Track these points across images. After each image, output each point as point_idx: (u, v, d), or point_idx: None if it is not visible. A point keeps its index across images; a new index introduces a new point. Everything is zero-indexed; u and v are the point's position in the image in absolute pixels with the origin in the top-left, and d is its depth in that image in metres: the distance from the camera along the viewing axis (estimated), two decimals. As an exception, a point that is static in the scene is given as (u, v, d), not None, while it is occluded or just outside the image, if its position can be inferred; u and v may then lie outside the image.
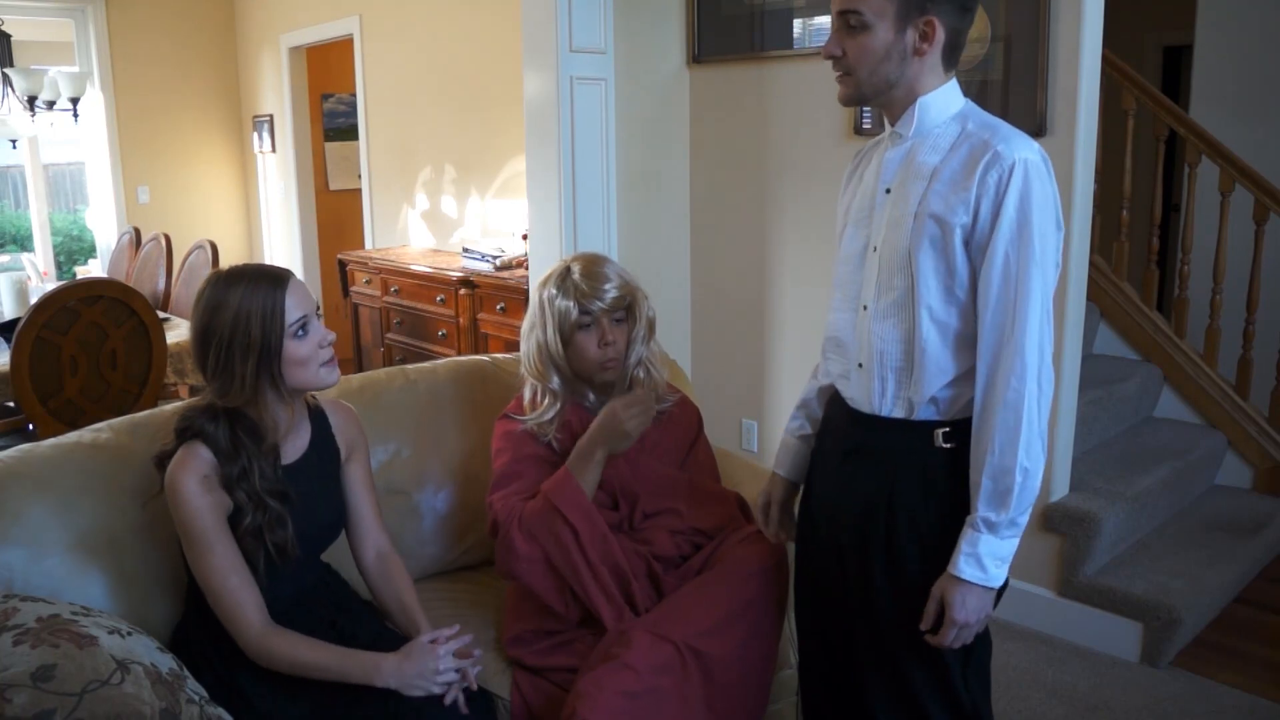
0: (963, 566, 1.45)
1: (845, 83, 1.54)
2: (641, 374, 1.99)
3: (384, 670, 1.57)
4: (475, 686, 1.69)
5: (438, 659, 1.60)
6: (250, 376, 1.57)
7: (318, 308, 1.65)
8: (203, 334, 1.58)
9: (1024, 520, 1.47)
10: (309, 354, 1.60)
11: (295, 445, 1.72)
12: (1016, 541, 1.48)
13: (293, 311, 1.58)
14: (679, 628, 1.72)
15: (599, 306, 1.91)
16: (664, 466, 2.02)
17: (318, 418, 1.79)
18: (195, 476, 1.57)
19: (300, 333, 1.59)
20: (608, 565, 1.83)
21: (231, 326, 1.56)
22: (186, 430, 1.61)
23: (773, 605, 1.85)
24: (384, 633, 1.78)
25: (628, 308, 1.96)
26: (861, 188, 1.62)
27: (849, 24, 1.48)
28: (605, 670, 1.66)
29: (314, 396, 1.81)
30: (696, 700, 1.70)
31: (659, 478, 2.00)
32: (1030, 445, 1.44)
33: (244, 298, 1.56)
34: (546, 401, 1.96)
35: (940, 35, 1.47)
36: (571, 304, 1.91)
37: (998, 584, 1.47)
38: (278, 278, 1.60)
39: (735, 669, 1.76)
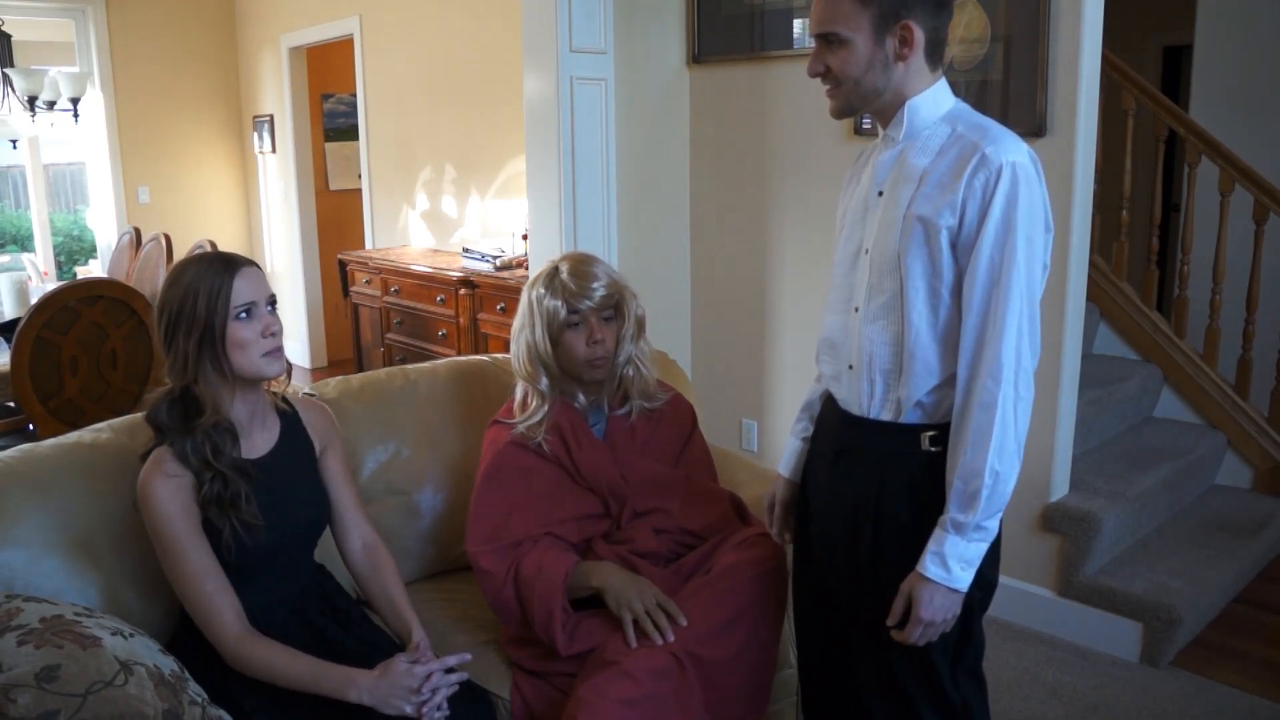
0: (928, 565, 1.46)
1: (834, 95, 1.55)
2: (630, 372, 2.00)
3: (359, 685, 1.56)
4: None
5: (414, 678, 1.58)
6: (192, 354, 1.59)
7: (272, 298, 1.67)
8: (159, 307, 1.62)
9: (992, 525, 1.47)
10: (251, 339, 1.61)
11: (264, 439, 1.72)
12: (984, 546, 1.48)
13: (240, 295, 1.60)
14: (678, 633, 1.72)
15: (587, 305, 1.91)
16: (656, 464, 2.02)
17: (289, 416, 1.79)
18: (166, 484, 1.57)
19: (243, 315, 1.60)
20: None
21: (180, 302, 1.59)
22: (150, 417, 1.64)
23: (772, 608, 1.85)
24: (372, 640, 1.77)
25: (616, 306, 1.96)
26: (858, 190, 1.63)
27: (828, 41, 1.50)
28: (604, 677, 1.66)
29: (286, 401, 1.81)
30: (696, 705, 1.70)
31: (649, 475, 2.00)
32: (1003, 449, 1.43)
33: (196, 276, 1.59)
34: (535, 403, 1.96)
35: (920, 38, 1.47)
36: (560, 303, 1.91)
37: (962, 586, 1.47)
38: (231, 261, 1.63)
39: (735, 673, 1.76)
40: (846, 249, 1.62)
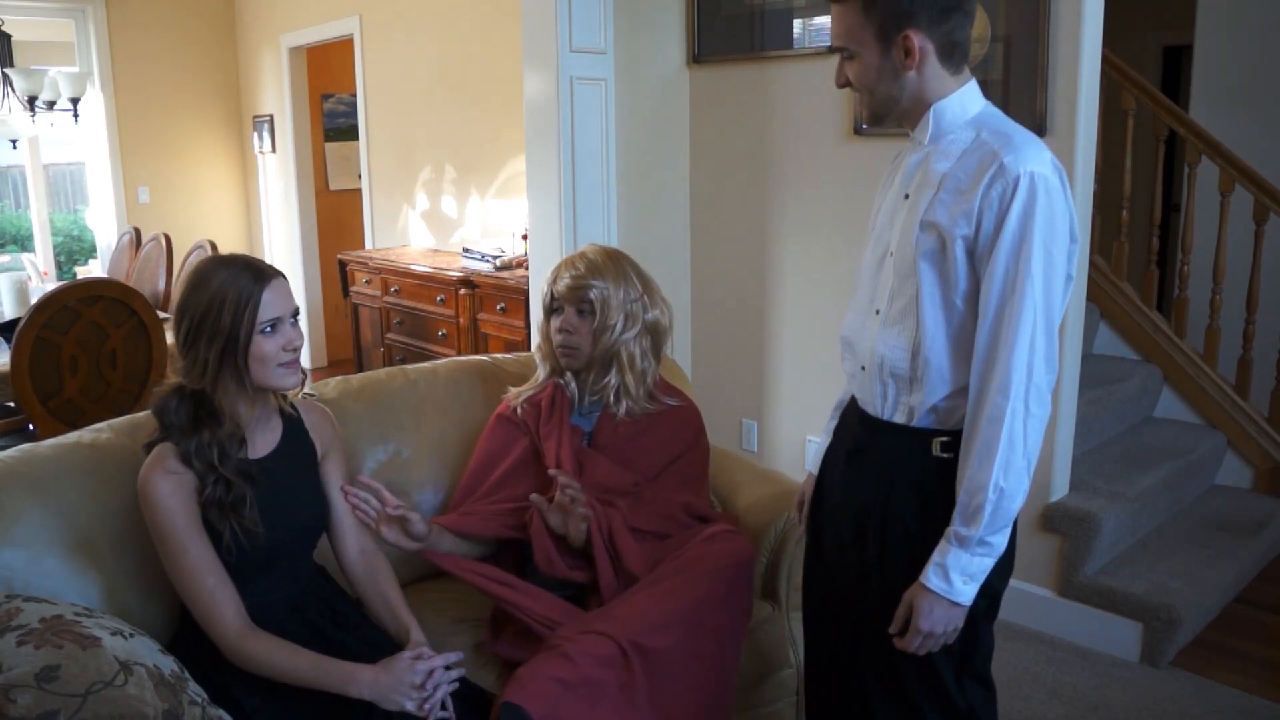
0: (930, 576, 1.45)
1: (860, 104, 1.59)
2: (612, 370, 2.04)
3: (360, 681, 1.55)
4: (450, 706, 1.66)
5: (417, 674, 1.57)
6: (213, 361, 1.58)
7: (296, 311, 1.66)
8: (180, 308, 1.61)
9: (997, 540, 1.44)
10: (272, 352, 1.60)
11: (266, 440, 1.72)
12: (989, 561, 1.45)
13: (267, 309, 1.59)
14: (624, 623, 1.70)
15: (559, 293, 2.05)
16: (616, 467, 2.03)
17: (292, 418, 1.79)
18: (167, 480, 1.57)
19: (268, 329, 1.60)
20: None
21: (205, 307, 1.57)
22: (157, 411, 1.63)
23: (735, 604, 1.85)
24: (373, 640, 1.77)
25: (591, 302, 1.98)
26: (890, 192, 1.62)
27: (843, 55, 1.53)
28: (542, 658, 1.66)
29: (292, 405, 1.81)
30: (640, 695, 1.68)
31: (604, 476, 2.00)
32: (1010, 464, 1.41)
33: (224, 283, 1.58)
34: (536, 377, 2.14)
35: (924, 45, 1.46)
36: (549, 288, 2.07)
37: (964, 600, 1.45)
38: (261, 272, 1.61)
39: (686, 666, 1.74)
40: (875, 251, 1.62)
